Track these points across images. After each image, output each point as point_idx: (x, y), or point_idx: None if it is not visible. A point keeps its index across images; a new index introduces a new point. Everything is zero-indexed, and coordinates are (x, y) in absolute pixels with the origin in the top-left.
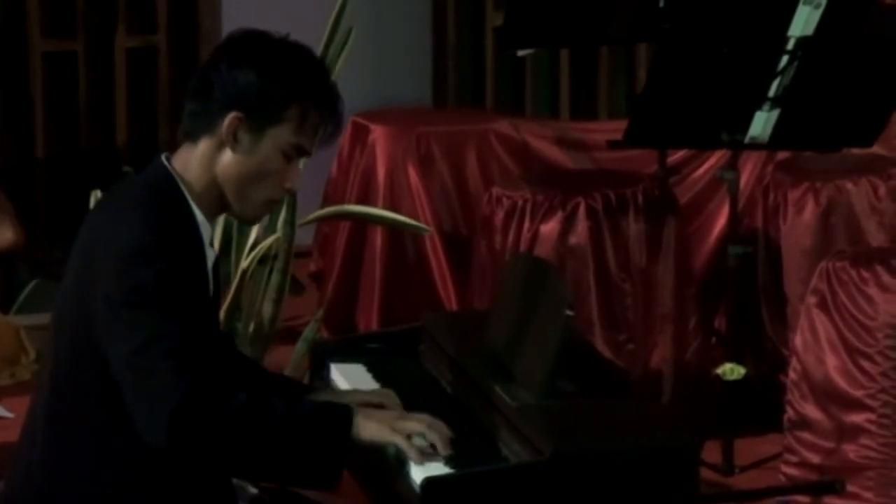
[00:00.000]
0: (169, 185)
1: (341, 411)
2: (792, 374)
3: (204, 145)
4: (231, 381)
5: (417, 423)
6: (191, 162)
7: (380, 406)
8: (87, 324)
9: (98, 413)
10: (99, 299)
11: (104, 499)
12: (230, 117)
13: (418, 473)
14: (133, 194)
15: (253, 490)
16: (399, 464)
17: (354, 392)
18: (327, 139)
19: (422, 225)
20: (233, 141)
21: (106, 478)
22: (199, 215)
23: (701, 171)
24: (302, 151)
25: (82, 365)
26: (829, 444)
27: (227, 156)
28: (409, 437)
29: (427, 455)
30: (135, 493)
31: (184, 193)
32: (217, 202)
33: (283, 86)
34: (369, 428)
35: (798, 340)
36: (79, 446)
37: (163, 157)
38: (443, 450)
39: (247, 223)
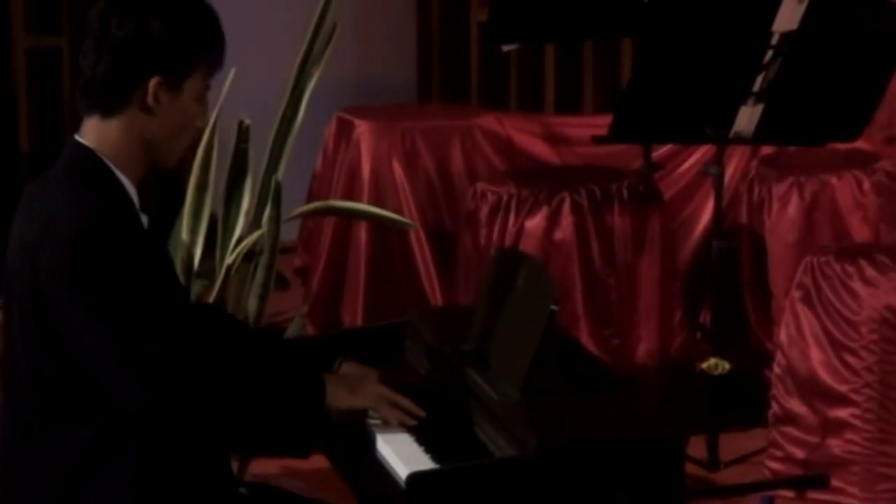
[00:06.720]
0: (90, 161)
1: (313, 383)
2: (776, 369)
3: (122, 118)
4: (214, 342)
5: (382, 392)
6: (110, 136)
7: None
8: (38, 316)
9: (53, 398)
10: (55, 287)
11: (67, 482)
12: (152, 84)
13: (402, 469)
14: (58, 180)
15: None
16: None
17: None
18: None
19: (407, 220)
20: (156, 104)
21: (63, 465)
22: (126, 181)
23: (686, 165)
24: (207, 89)
25: (35, 353)
26: (813, 439)
27: (151, 120)
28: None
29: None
30: (93, 477)
31: (107, 164)
32: (140, 165)
33: (192, 39)
34: (341, 397)
35: (783, 335)
36: (36, 433)
37: (75, 138)
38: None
39: (168, 172)
